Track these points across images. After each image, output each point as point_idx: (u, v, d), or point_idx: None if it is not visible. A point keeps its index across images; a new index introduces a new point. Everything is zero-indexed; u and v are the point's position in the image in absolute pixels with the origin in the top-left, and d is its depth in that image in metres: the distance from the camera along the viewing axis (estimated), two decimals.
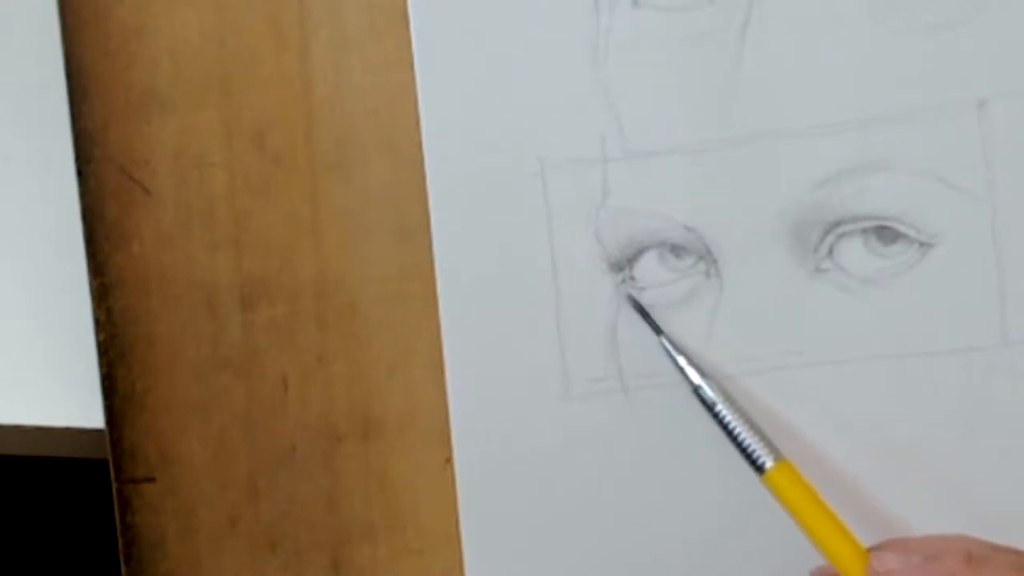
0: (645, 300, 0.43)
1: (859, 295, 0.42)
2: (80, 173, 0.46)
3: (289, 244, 0.45)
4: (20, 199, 0.57)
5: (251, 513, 0.45)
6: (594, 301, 0.43)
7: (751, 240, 0.42)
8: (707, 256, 0.42)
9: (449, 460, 0.44)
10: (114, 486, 0.46)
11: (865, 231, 0.41)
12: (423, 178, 0.44)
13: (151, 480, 0.46)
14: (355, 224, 0.45)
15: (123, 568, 0.46)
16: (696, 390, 0.41)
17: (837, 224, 0.42)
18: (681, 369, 0.41)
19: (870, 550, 0.38)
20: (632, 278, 0.43)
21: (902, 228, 0.41)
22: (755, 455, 0.39)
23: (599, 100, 0.43)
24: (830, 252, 0.42)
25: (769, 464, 0.39)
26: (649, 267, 0.43)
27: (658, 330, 0.42)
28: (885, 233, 0.41)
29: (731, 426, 0.40)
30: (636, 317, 0.43)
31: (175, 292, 0.46)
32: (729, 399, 0.40)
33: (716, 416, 0.40)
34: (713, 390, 0.41)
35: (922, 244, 0.41)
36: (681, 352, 0.41)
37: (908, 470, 0.41)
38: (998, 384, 0.41)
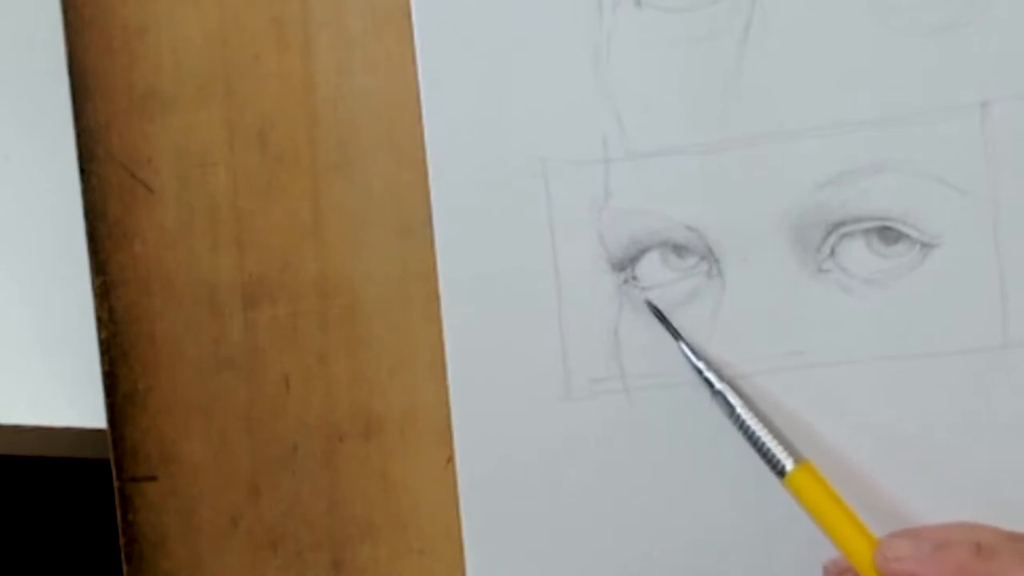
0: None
1: (861, 296, 0.42)
2: (82, 172, 0.46)
3: (291, 244, 0.45)
4: (22, 198, 0.57)
5: (252, 512, 0.45)
6: (596, 301, 0.43)
7: (753, 240, 0.42)
8: (709, 256, 0.42)
9: (451, 460, 0.44)
10: (116, 485, 0.46)
11: (867, 232, 0.41)
12: (425, 178, 0.44)
13: (152, 479, 0.46)
14: (357, 224, 0.45)
15: (124, 567, 0.46)
16: (715, 395, 0.41)
17: (839, 225, 0.42)
18: (700, 373, 0.41)
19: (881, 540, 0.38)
20: (634, 278, 0.43)
21: (904, 229, 0.41)
22: (775, 459, 0.39)
23: (601, 100, 0.43)
24: (832, 253, 0.42)
25: (790, 467, 0.39)
26: (651, 267, 0.43)
27: (677, 335, 0.42)
28: (887, 234, 0.41)
29: (751, 430, 0.40)
30: (638, 317, 0.43)
31: (177, 291, 0.46)
32: (749, 403, 0.40)
33: (736, 420, 0.40)
34: (733, 395, 0.41)
35: (924, 245, 0.41)
36: (701, 357, 0.41)
37: (908, 471, 0.41)
38: (999, 385, 0.41)
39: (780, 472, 0.39)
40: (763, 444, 0.40)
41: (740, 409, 0.40)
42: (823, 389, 0.42)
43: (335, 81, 0.45)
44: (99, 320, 0.46)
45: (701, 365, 0.41)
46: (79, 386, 0.54)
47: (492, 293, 0.44)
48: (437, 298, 0.44)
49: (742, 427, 0.40)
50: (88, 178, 0.46)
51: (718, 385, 0.41)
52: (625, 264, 0.43)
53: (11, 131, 0.57)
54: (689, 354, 0.42)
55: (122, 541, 0.46)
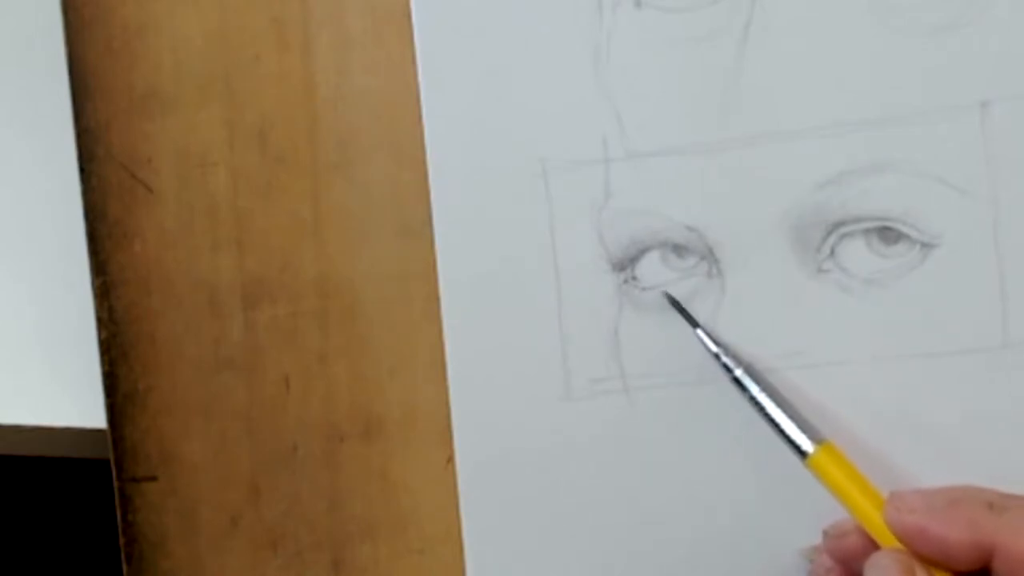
0: (647, 300, 0.43)
1: (860, 296, 0.42)
2: (82, 172, 0.46)
3: (291, 244, 0.45)
4: (22, 198, 0.57)
5: (252, 512, 0.45)
6: (596, 301, 0.43)
7: (753, 240, 0.42)
8: (709, 256, 0.42)
9: (451, 460, 0.44)
10: (115, 485, 0.46)
11: (867, 232, 0.41)
12: (425, 178, 0.44)
13: (152, 479, 0.46)
14: (357, 224, 0.45)
15: (124, 567, 0.46)
16: (735, 380, 0.41)
17: (839, 225, 0.42)
18: (718, 358, 0.41)
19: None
20: (634, 278, 0.43)
21: (904, 229, 0.41)
22: (795, 442, 0.40)
23: (601, 100, 0.43)
24: (832, 253, 0.42)
25: (811, 448, 0.39)
26: (651, 267, 0.43)
27: (695, 323, 0.42)
28: (887, 234, 0.41)
29: (770, 415, 0.40)
30: (638, 317, 0.43)
31: (177, 291, 0.46)
32: (767, 388, 0.41)
33: (756, 405, 0.40)
34: (751, 379, 0.41)
35: (924, 245, 0.41)
36: (719, 344, 0.41)
37: (908, 472, 0.41)
38: (999, 385, 0.41)
39: (802, 454, 0.39)
40: (782, 428, 0.40)
41: (758, 394, 0.40)
42: (823, 389, 0.42)
43: (335, 81, 0.45)
44: (99, 320, 0.46)
45: (719, 351, 0.41)
46: (79, 386, 0.54)
47: (492, 293, 0.44)
48: (437, 298, 0.44)
49: (761, 411, 0.40)
50: (88, 178, 0.46)
51: (736, 371, 0.41)
52: (625, 264, 0.43)
53: (11, 131, 0.57)
54: (707, 340, 0.41)
55: (122, 541, 0.46)
